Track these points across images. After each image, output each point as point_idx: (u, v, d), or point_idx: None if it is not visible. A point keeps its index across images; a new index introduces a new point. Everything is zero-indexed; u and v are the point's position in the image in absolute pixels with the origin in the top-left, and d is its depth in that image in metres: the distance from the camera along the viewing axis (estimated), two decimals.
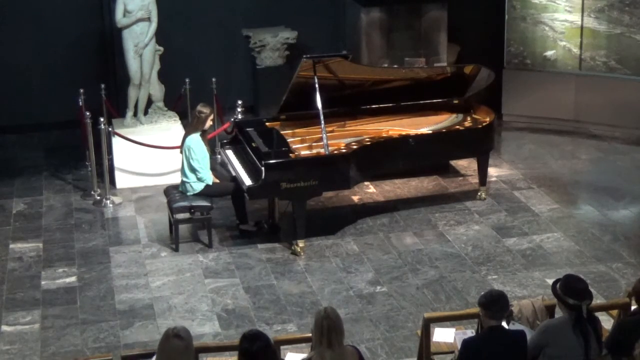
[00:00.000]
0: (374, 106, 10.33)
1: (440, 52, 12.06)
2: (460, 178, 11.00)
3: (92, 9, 12.35)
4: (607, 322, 6.95)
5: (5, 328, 8.01)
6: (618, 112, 12.24)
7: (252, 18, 12.81)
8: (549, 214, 10.02)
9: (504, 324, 6.00)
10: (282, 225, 9.71)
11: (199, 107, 9.41)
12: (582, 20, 12.23)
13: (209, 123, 9.42)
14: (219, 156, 10.85)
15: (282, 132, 9.78)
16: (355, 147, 9.41)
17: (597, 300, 7.70)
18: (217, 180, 9.52)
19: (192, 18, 12.67)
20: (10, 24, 12.23)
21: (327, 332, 5.50)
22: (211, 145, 10.30)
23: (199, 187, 9.32)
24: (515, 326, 6.25)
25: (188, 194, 9.32)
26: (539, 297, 6.95)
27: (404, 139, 9.72)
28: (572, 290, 5.94)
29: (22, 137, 12.33)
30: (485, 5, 13.04)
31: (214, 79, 11.64)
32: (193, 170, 9.28)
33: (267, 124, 10.04)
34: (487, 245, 9.33)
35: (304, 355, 6.24)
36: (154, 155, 10.72)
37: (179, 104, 11.68)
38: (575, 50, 12.39)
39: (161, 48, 11.14)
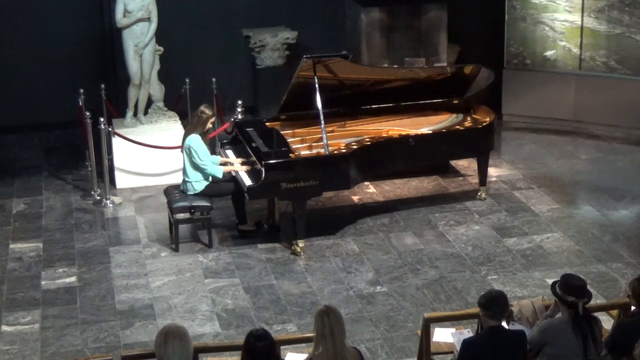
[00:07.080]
0: (374, 106, 10.33)
1: (440, 52, 12.06)
2: (460, 178, 11.00)
3: (92, 9, 12.34)
4: (607, 322, 6.95)
5: (5, 328, 8.01)
6: (618, 112, 12.23)
7: (252, 18, 12.80)
8: (549, 214, 10.01)
9: (504, 324, 6.00)
10: (282, 225, 9.71)
11: (202, 108, 9.37)
12: (582, 20, 12.22)
13: (208, 125, 9.38)
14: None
15: (282, 132, 9.77)
16: (355, 147, 9.41)
17: (597, 300, 7.71)
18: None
19: (192, 18, 12.66)
20: (10, 23, 12.22)
21: (330, 328, 5.47)
22: (211, 145, 10.29)
23: (200, 186, 9.31)
24: (515, 326, 6.25)
25: (189, 193, 9.30)
26: (539, 297, 6.95)
27: (404, 139, 9.72)
28: (571, 287, 5.99)
29: (22, 137, 12.33)
30: (485, 5, 13.03)
31: (214, 79, 11.63)
32: (197, 169, 9.26)
33: (267, 124, 10.04)
34: (487, 245, 9.33)
35: (304, 355, 6.24)
36: (154, 155, 10.72)
37: (179, 104, 11.68)
38: (575, 50, 12.39)
39: (161, 48, 11.13)
